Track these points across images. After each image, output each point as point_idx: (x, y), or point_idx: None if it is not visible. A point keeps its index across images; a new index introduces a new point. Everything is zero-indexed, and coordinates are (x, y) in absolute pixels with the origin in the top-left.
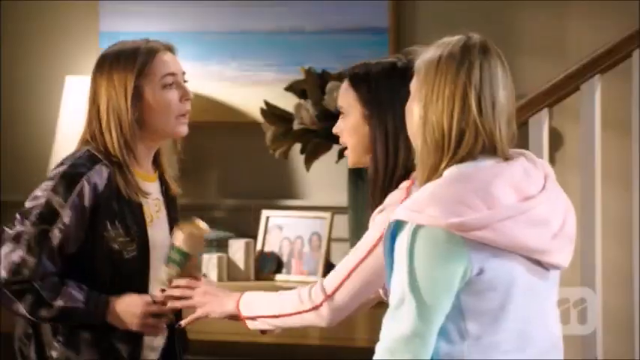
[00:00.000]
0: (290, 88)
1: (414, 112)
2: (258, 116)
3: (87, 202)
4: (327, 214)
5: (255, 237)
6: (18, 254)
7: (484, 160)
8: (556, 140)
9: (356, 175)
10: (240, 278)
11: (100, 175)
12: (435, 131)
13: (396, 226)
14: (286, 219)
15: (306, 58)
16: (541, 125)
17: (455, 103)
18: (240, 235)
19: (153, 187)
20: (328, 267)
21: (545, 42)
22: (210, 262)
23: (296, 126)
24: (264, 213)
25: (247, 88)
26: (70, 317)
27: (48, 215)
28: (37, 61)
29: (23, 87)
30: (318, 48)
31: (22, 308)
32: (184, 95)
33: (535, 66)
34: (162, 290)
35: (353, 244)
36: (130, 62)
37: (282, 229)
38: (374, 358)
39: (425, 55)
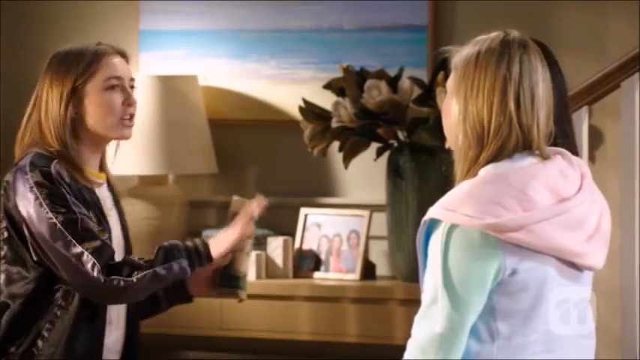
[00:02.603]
0: (328, 86)
1: (452, 109)
2: (296, 114)
3: (66, 187)
4: (366, 212)
5: (293, 235)
6: (78, 249)
7: (521, 159)
8: (596, 138)
9: (394, 172)
10: (278, 276)
11: (60, 168)
12: (476, 124)
13: (430, 225)
14: (324, 217)
15: (344, 56)
16: (581, 123)
17: (494, 96)
18: (278, 232)
19: (103, 187)
20: (366, 265)
21: (585, 40)
22: (248, 260)
23: (334, 124)
24: (303, 211)
25: (285, 86)
26: (179, 260)
27: (60, 203)
28: None
29: None
30: (357, 46)
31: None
32: (127, 99)
33: (575, 64)
34: None
35: (391, 242)
36: (73, 64)
37: (320, 226)
38: (405, 356)
39: (462, 52)
